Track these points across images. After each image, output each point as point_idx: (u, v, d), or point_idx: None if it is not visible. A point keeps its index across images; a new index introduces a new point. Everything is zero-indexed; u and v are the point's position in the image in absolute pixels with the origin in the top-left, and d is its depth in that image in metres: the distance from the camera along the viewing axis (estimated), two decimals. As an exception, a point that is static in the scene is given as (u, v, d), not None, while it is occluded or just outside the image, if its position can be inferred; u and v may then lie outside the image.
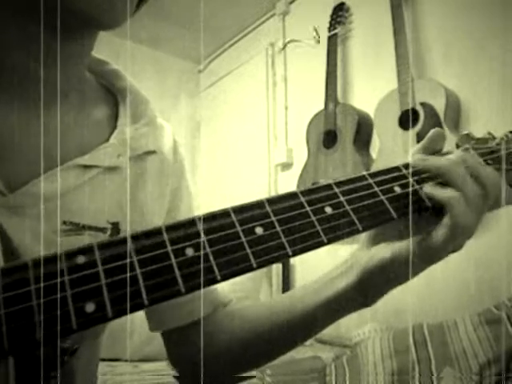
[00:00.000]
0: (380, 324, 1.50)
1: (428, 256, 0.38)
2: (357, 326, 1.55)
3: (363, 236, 0.44)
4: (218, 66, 2.72)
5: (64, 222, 0.41)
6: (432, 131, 0.43)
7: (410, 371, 1.08)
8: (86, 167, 0.44)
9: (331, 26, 1.90)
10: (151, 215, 0.49)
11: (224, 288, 0.57)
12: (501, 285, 1.31)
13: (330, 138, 1.82)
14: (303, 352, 1.54)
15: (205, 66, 2.83)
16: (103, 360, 1.42)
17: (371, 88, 1.79)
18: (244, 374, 0.53)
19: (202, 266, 0.29)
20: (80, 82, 0.48)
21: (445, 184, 0.38)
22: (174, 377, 0.56)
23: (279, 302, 0.52)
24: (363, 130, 1.75)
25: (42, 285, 0.25)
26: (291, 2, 2.26)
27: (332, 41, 1.88)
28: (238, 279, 0.54)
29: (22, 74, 0.42)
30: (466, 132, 0.47)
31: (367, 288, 0.42)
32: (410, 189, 0.38)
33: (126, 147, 0.47)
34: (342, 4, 1.92)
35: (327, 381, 1.19)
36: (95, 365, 0.54)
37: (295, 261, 2.06)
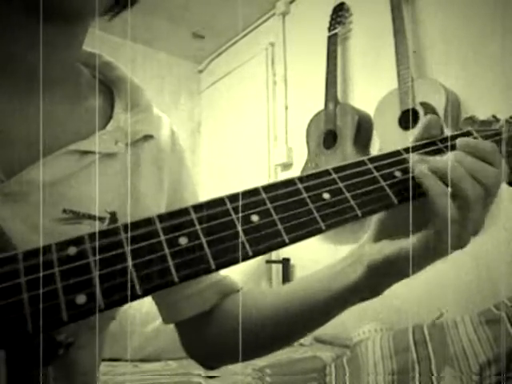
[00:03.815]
0: (380, 324, 1.50)
1: (435, 253, 0.38)
2: (357, 325, 1.56)
3: (369, 231, 0.44)
4: (218, 66, 2.72)
5: (64, 211, 0.41)
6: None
7: (409, 371, 1.08)
8: (83, 153, 0.43)
9: (331, 26, 1.90)
10: (148, 202, 0.49)
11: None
12: (501, 285, 1.31)
13: (330, 138, 1.82)
14: (303, 352, 1.54)
15: (205, 65, 2.83)
16: (103, 360, 1.41)
17: (371, 88, 1.79)
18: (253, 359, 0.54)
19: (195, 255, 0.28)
20: (73, 73, 0.49)
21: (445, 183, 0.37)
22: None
23: (290, 292, 0.51)
24: (363, 130, 1.75)
25: (31, 277, 0.25)
26: (291, 2, 2.26)
27: (332, 41, 1.88)
28: (237, 280, 0.54)
29: (15, 62, 0.42)
30: (469, 115, 0.46)
31: (374, 282, 0.42)
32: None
33: (123, 133, 0.47)
34: (342, 4, 1.92)
35: (327, 381, 1.19)
36: (97, 362, 0.54)
37: (295, 260, 2.06)
